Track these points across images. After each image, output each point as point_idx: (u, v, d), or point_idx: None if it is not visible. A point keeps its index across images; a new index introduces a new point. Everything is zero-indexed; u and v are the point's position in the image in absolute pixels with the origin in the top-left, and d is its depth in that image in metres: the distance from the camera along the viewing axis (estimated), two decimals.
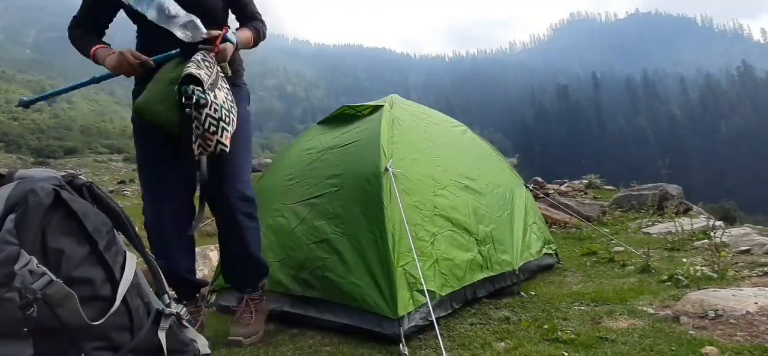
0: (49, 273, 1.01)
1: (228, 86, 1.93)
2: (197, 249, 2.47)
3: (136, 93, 2.02)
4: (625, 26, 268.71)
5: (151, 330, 1.21)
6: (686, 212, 7.09)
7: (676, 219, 4.82)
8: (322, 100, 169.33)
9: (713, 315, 2.14)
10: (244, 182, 2.08)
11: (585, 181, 11.49)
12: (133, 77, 2.02)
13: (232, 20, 2.20)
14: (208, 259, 4.15)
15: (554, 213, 6.46)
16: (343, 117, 3.18)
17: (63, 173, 1.22)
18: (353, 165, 2.59)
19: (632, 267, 3.47)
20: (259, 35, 2.18)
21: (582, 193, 10.04)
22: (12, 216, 1.02)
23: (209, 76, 1.79)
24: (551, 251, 3.62)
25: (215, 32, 1.89)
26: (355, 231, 2.33)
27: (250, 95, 2.29)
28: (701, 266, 3.12)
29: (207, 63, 1.83)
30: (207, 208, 2.08)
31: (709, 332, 2.01)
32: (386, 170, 2.38)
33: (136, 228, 1.33)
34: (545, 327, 2.18)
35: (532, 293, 2.87)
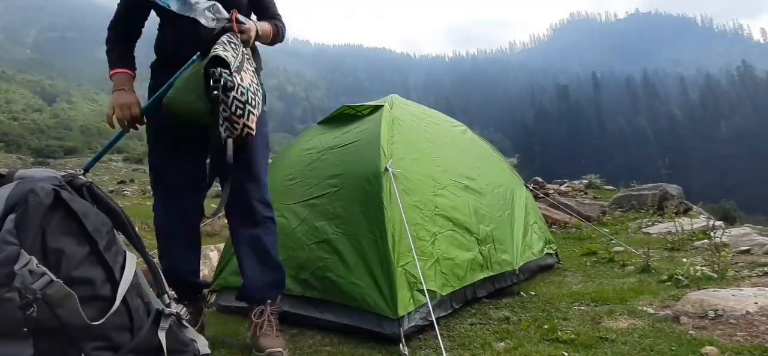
0: (49, 273, 1.01)
1: (253, 68, 1.91)
2: None
3: (152, 88, 2.00)
4: (625, 26, 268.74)
5: (151, 330, 1.21)
6: (686, 212, 7.09)
7: (676, 219, 4.81)
8: (322, 100, 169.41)
9: (713, 315, 2.13)
10: (264, 185, 2.06)
11: (585, 181, 11.50)
12: (150, 72, 2.04)
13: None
14: (208, 259, 4.16)
15: (554, 213, 6.46)
16: (343, 117, 3.18)
17: (63, 173, 1.22)
18: (353, 165, 2.59)
19: (632, 267, 3.47)
20: (278, 32, 2.16)
21: (582, 193, 10.05)
22: (12, 216, 1.02)
23: (235, 58, 1.77)
24: (551, 251, 3.62)
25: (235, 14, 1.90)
26: (355, 231, 2.33)
27: (266, 95, 2.27)
28: (701, 266, 3.11)
29: (233, 45, 1.81)
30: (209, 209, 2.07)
31: (709, 332, 2.01)
32: (386, 170, 2.38)
33: (136, 228, 1.33)
34: (545, 327, 2.18)
35: (532, 293, 2.87)
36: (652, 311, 2.36)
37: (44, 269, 1.01)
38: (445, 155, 3.08)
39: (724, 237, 3.73)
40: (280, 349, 1.90)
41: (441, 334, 1.94)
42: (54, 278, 1.01)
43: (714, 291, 2.43)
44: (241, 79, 1.75)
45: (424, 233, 2.40)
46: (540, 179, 10.48)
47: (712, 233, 3.83)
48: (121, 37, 2.03)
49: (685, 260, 3.56)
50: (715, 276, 2.92)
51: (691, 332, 2.01)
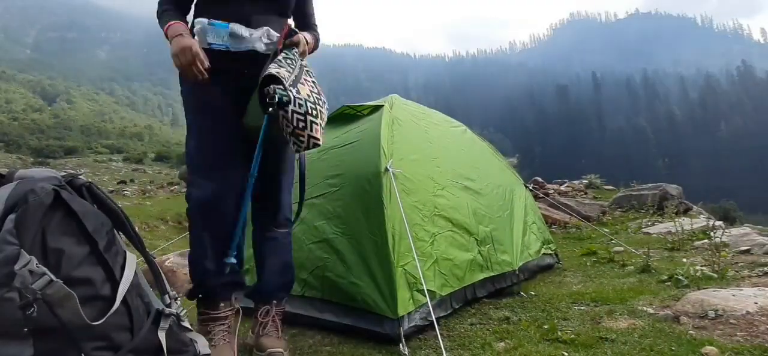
0: (49, 273, 1.01)
1: (313, 79, 1.91)
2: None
3: (185, 95, 1.91)
4: (625, 26, 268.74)
5: (151, 330, 1.21)
6: (686, 212, 7.09)
7: (676, 219, 4.81)
8: None
9: (713, 315, 2.13)
10: (288, 205, 2.05)
11: (585, 181, 11.49)
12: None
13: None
14: None
15: (554, 213, 6.47)
16: (343, 117, 3.18)
17: (63, 173, 1.22)
18: (353, 165, 2.59)
19: (632, 267, 3.47)
20: (317, 43, 2.18)
21: (582, 193, 10.05)
22: (12, 216, 1.02)
23: (291, 73, 1.78)
24: (551, 251, 3.62)
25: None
26: (355, 231, 2.33)
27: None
28: (701, 266, 3.12)
29: (288, 61, 1.83)
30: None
31: (709, 332, 2.01)
32: (386, 170, 2.38)
33: (136, 228, 1.32)
34: (545, 327, 2.18)
35: (532, 293, 2.87)
36: (652, 311, 2.36)
37: (44, 269, 1.01)
38: (445, 155, 3.08)
39: (724, 237, 3.73)
40: (281, 350, 1.89)
41: (441, 334, 1.94)
42: (54, 278, 1.01)
43: (714, 291, 2.43)
44: (298, 92, 1.75)
45: (423, 234, 2.40)
46: (540, 179, 10.47)
47: (712, 233, 3.84)
48: (173, 4, 1.91)
49: (685, 260, 3.56)
50: (715, 276, 2.92)
51: (691, 332, 2.01)
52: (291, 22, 2.06)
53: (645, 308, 2.40)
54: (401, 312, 2.05)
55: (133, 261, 1.23)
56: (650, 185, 8.29)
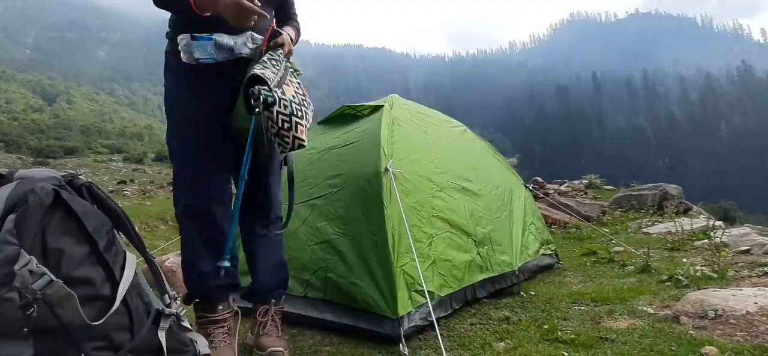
0: (49, 273, 1.01)
1: (298, 81, 1.90)
2: None
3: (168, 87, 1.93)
4: (625, 26, 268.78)
5: (151, 330, 1.21)
6: (686, 212, 7.09)
7: (676, 219, 4.81)
8: (322, 100, 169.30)
9: (713, 315, 2.14)
10: (278, 203, 2.06)
11: (585, 181, 11.49)
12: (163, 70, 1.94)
13: None
14: None
15: (554, 213, 6.47)
16: (343, 117, 3.18)
17: (63, 173, 1.22)
18: (354, 165, 2.59)
19: (632, 267, 3.47)
20: (298, 34, 2.16)
21: (582, 193, 10.05)
22: (12, 216, 1.02)
23: (276, 74, 1.77)
24: (550, 252, 3.62)
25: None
26: (355, 232, 2.34)
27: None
28: (701, 266, 3.12)
29: (273, 61, 1.82)
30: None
31: (709, 332, 2.01)
32: (386, 170, 2.38)
33: (136, 228, 1.32)
34: (545, 327, 2.18)
35: (532, 293, 2.87)
36: (652, 311, 2.36)
37: (44, 269, 1.01)
38: (444, 156, 3.08)
39: (724, 237, 3.73)
40: (281, 349, 1.89)
41: (441, 334, 1.94)
42: (54, 278, 1.01)
43: (714, 291, 2.43)
44: (283, 93, 1.74)
45: (421, 235, 2.40)
46: (540, 179, 10.47)
47: (712, 233, 3.84)
48: None
49: (685, 260, 3.56)
50: (715, 276, 2.92)
51: (691, 332, 2.01)
52: (273, 21, 2.04)
53: (645, 308, 2.40)
54: (401, 312, 2.05)
55: (133, 261, 1.23)
56: (650, 185, 8.29)
